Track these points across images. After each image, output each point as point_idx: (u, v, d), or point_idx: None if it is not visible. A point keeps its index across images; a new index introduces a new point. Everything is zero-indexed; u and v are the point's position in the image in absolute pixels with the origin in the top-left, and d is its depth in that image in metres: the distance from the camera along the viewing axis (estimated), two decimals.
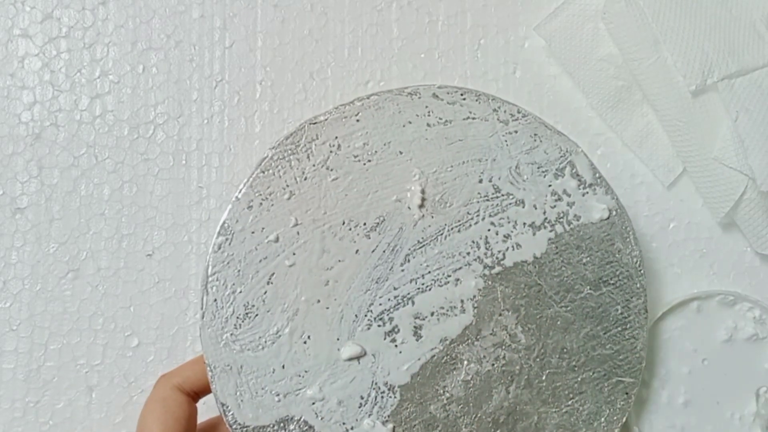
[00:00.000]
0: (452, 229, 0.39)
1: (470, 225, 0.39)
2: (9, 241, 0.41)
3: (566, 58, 0.43)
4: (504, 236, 0.39)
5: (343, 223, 0.39)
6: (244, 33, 0.43)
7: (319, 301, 0.38)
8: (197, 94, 0.43)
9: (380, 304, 0.39)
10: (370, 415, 0.38)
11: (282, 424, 0.38)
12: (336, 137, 0.39)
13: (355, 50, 0.43)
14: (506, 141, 0.40)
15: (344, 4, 0.44)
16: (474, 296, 0.39)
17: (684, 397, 0.41)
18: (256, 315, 0.38)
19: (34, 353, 0.41)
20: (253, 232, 0.38)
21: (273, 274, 0.38)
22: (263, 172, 0.39)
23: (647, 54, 0.41)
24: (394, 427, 0.38)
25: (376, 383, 0.38)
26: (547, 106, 0.43)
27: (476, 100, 0.40)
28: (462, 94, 0.40)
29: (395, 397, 0.38)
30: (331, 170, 0.39)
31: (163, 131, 0.42)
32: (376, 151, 0.39)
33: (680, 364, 0.41)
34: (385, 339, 0.38)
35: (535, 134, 0.40)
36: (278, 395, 0.38)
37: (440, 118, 0.40)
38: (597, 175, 0.39)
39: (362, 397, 0.38)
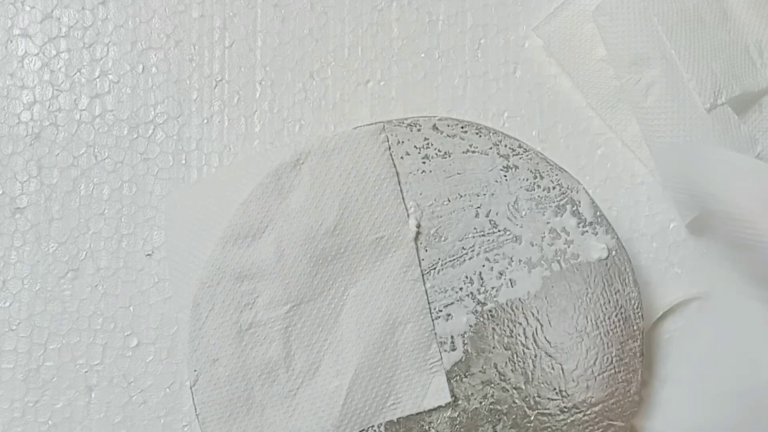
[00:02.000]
0: (446, 263, 0.39)
1: (465, 260, 0.39)
2: (8, 240, 0.41)
3: (565, 58, 0.43)
4: (498, 273, 0.39)
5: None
6: (244, 33, 0.43)
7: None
8: (197, 94, 0.43)
9: None
10: None
11: None
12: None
13: (355, 50, 0.43)
14: (506, 176, 0.39)
15: (344, 4, 0.43)
16: (465, 332, 0.38)
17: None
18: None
19: (34, 353, 0.41)
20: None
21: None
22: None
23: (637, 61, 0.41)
24: None
25: None
26: (547, 106, 0.43)
27: (477, 134, 0.39)
28: (463, 127, 0.39)
29: (379, 430, 0.37)
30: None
31: (163, 131, 0.42)
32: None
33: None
34: None
35: (536, 170, 0.39)
36: None
37: (439, 151, 0.39)
38: (598, 213, 0.39)
39: None
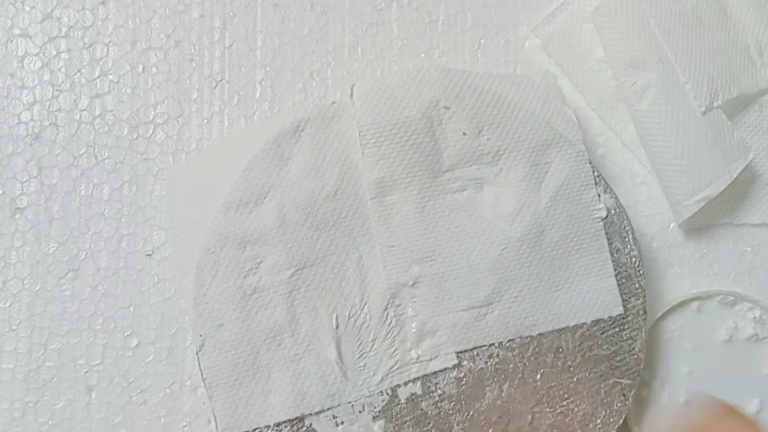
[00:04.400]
0: None
1: None
2: (9, 241, 0.41)
3: (564, 59, 0.43)
4: None
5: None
6: (244, 33, 0.43)
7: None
8: (197, 94, 0.43)
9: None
10: (361, 412, 0.38)
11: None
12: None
13: (355, 50, 0.43)
14: None
15: (344, 4, 0.43)
16: None
17: (684, 397, 0.41)
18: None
19: (34, 353, 0.41)
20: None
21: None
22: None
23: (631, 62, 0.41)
24: (384, 423, 0.38)
25: None
26: None
27: None
28: None
29: (386, 393, 0.38)
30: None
31: (163, 131, 0.42)
32: None
33: (680, 364, 0.41)
34: None
35: None
36: None
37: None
38: (596, 174, 0.39)
39: None
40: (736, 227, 0.43)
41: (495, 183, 0.39)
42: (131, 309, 0.41)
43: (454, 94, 0.39)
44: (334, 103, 0.39)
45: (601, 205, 0.39)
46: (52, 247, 0.41)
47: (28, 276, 0.41)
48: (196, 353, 0.38)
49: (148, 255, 0.41)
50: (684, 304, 0.41)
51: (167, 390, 0.41)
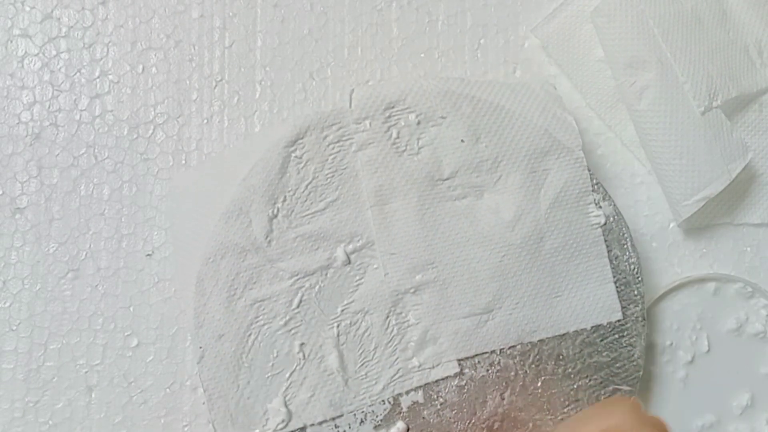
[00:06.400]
0: None
1: None
2: (9, 241, 0.41)
3: (564, 59, 0.43)
4: None
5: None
6: (244, 33, 0.43)
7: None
8: (197, 94, 0.43)
9: None
10: (363, 422, 0.37)
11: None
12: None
13: (355, 50, 0.43)
14: None
15: (344, 4, 0.44)
16: None
17: (683, 378, 0.41)
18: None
19: (34, 353, 0.41)
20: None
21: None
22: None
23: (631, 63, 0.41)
24: None
25: None
26: None
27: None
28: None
29: (388, 402, 0.38)
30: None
31: (163, 131, 0.42)
32: None
33: (683, 344, 0.41)
34: None
35: None
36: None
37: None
38: (594, 181, 0.39)
39: None
40: (735, 227, 0.43)
41: (494, 190, 0.39)
42: (131, 309, 0.41)
43: (451, 103, 0.39)
44: (332, 110, 0.39)
45: (600, 212, 0.39)
46: (52, 247, 0.41)
47: (28, 276, 0.41)
48: (197, 364, 0.38)
49: (148, 255, 0.41)
50: (702, 281, 0.41)
51: (167, 390, 0.41)
